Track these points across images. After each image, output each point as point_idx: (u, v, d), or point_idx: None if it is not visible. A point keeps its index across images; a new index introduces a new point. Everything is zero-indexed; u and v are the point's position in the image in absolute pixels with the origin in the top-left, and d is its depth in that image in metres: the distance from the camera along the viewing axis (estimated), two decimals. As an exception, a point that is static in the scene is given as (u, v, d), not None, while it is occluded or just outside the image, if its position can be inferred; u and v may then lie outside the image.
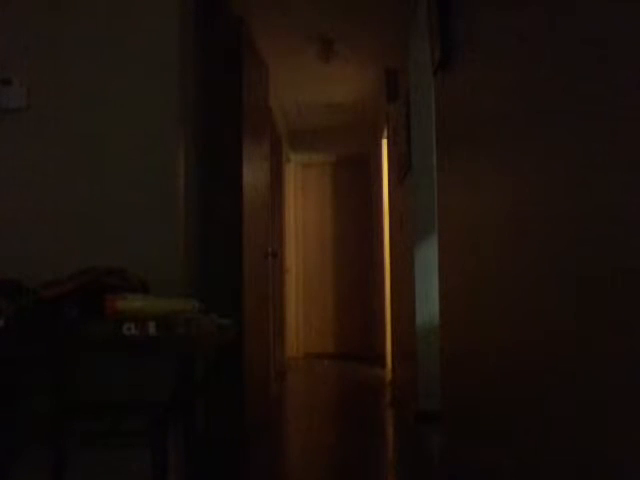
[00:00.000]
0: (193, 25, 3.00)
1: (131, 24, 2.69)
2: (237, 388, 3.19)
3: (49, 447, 2.43)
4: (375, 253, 7.03)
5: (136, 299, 1.99)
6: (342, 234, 7.46)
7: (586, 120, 1.13)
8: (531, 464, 1.48)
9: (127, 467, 2.52)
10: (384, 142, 5.97)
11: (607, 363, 1.05)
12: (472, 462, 2.12)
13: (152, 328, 1.92)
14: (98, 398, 2.55)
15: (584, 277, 1.15)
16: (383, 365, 6.22)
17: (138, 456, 2.51)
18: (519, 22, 1.53)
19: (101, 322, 1.95)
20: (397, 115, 4.56)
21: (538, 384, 1.41)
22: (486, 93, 1.87)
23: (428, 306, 3.63)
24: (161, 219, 2.63)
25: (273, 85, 5.60)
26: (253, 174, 3.59)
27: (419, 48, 3.81)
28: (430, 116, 3.72)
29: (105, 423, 2.55)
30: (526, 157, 1.49)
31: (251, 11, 4.18)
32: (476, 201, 2.00)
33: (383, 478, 2.69)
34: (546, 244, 1.35)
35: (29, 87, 2.68)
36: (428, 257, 3.68)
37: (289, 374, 5.95)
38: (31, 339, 2.00)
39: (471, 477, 2.13)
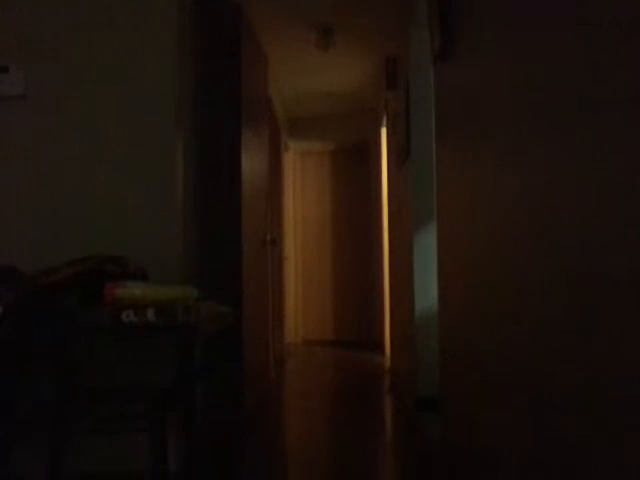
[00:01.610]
0: (192, 13, 2.99)
1: (130, 13, 2.69)
2: (236, 374, 3.21)
3: (49, 433, 2.45)
4: (374, 241, 7.04)
5: (135, 286, 2.00)
6: (341, 222, 7.46)
7: (587, 110, 1.13)
8: (528, 449, 1.49)
9: (127, 452, 2.54)
10: (383, 130, 5.96)
11: (605, 351, 1.06)
12: (470, 448, 2.14)
13: (151, 315, 1.93)
14: (98, 385, 2.57)
15: (584, 265, 1.15)
16: (382, 352, 6.24)
17: (138, 442, 2.53)
18: (519, 12, 1.53)
19: (100, 309, 1.96)
20: (396, 103, 4.55)
21: (536, 371, 1.42)
22: (485, 82, 1.87)
23: (427, 293, 3.65)
24: (160, 207, 2.63)
25: (272, 73, 5.59)
26: (252, 162, 3.60)
27: (419, 36, 3.80)
28: (429, 104, 3.71)
29: (105, 409, 2.57)
30: (525, 146, 1.49)
31: (250, -2, 4.16)
32: (475, 189, 2.01)
33: (382, 463, 2.71)
34: (545, 231, 1.35)
35: (27, 75, 2.68)
36: (427, 245, 3.69)
37: (288, 361, 5.97)
38: (30, 326, 2.01)
39: (469, 463, 2.15)
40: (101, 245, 2.58)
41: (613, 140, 1.01)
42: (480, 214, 1.94)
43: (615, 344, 1.01)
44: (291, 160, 7.44)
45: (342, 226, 7.46)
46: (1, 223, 2.64)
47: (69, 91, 2.68)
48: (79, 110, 2.68)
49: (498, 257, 1.74)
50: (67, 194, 2.65)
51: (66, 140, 2.67)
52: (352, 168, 7.49)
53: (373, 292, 7.11)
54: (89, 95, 2.68)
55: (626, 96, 0.96)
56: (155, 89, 2.67)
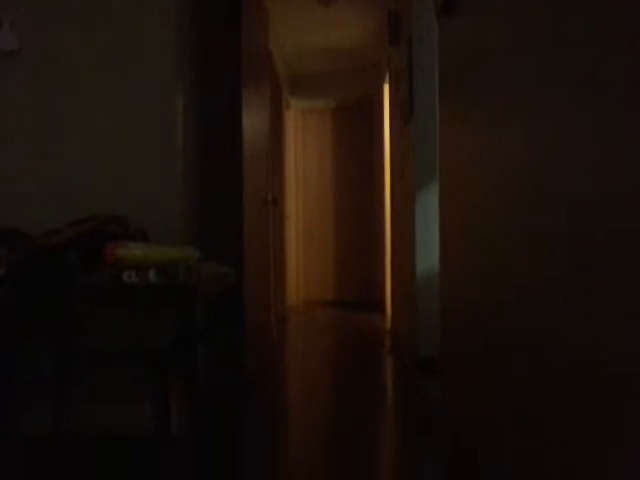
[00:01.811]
0: (189, -35, 2.91)
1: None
2: (238, 335, 3.22)
3: (51, 393, 2.48)
4: (376, 200, 7.01)
5: (136, 247, 1.99)
6: (343, 181, 7.42)
7: (590, 63, 1.10)
8: (529, 410, 1.50)
9: (130, 415, 2.56)
10: (386, 87, 5.87)
11: (608, 309, 1.06)
12: (471, 409, 2.15)
13: (152, 276, 1.93)
14: (100, 347, 2.58)
15: (587, 222, 1.14)
16: (383, 313, 6.27)
17: (140, 404, 2.55)
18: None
19: (101, 270, 1.96)
20: (399, 59, 4.47)
21: (538, 331, 1.42)
22: (490, 37, 1.82)
23: (428, 254, 3.64)
24: (160, 168, 2.61)
25: (273, 30, 5.48)
26: (253, 121, 3.55)
27: (422, -11, 3.71)
28: (433, 60, 3.64)
29: (107, 372, 2.59)
30: (530, 102, 1.46)
31: (249, -50, 4.05)
32: (478, 148, 1.98)
33: (382, 424, 2.74)
34: (548, 189, 1.33)
35: (21, 30, 2.61)
36: (429, 205, 3.66)
37: (289, 321, 6.01)
38: (32, 288, 2.01)
39: (470, 424, 2.17)
40: (102, 206, 2.56)
41: (617, 94, 0.98)
42: (483, 173, 1.91)
43: (617, 302, 1.00)
44: (292, 118, 7.36)
45: (344, 185, 7.42)
46: (2, 185, 2.62)
47: (66, 47, 2.62)
48: (76, 68, 2.62)
49: (500, 216, 1.72)
50: (67, 155, 2.62)
51: (64, 100, 2.62)
52: (354, 126, 7.41)
53: (374, 253, 7.12)
54: (86, 52, 2.62)
55: (628, 45, 0.93)
56: (154, 48, 2.61)
